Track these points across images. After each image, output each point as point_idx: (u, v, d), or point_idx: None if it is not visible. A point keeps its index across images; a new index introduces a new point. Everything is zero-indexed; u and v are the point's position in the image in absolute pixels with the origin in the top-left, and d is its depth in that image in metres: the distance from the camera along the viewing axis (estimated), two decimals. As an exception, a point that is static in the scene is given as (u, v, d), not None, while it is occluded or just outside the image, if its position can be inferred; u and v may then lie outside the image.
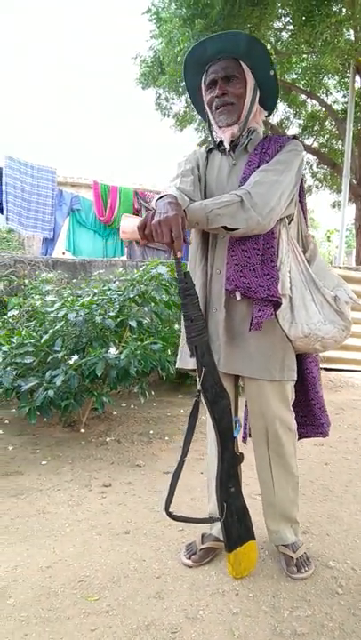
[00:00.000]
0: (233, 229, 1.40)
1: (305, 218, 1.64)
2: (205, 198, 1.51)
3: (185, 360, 1.61)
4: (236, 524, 1.50)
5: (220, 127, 1.56)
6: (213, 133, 1.63)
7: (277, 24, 7.44)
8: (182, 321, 1.40)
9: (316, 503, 2.13)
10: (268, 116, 1.73)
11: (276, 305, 1.46)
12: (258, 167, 1.48)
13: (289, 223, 1.54)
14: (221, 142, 1.59)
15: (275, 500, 1.63)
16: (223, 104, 1.52)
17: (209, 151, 1.65)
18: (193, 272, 1.60)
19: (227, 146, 1.56)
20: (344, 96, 9.28)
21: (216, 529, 1.69)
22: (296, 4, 5.94)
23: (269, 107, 1.65)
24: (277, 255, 1.49)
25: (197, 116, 9.21)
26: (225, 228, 1.40)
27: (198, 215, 1.38)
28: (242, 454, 1.51)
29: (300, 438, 1.74)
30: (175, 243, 1.24)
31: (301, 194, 1.60)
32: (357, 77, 7.88)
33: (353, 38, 6.96)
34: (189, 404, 3.75)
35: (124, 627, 1.34)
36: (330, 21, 5.79)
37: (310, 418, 1.69)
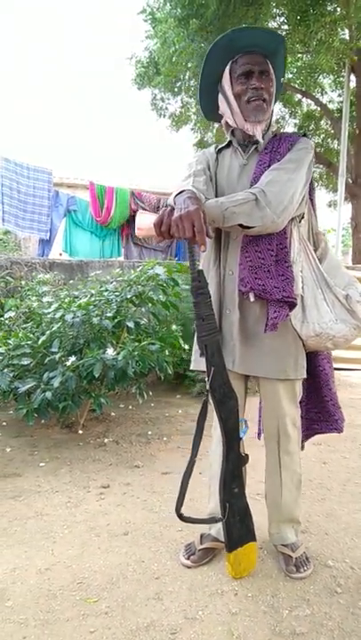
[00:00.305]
0: (248, 227, 1.40)
1: (315, 215, 1.64)
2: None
3: (199, 361, 1.59)
4: (237, 525, 1.49)
5: (246, 120, 1.52)
6: (229, 120, 1.57)
7: (272, 24, 7.43)
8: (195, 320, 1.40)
9: (315, 502, 2.13)
10: None
11: (292, 305, 1.47)
12: (269, 166, 1.48)
13: (300, 221, 1.55)
14: (233, 140, 1.59)
15: (281, 500, 1.64)
16: (260, 98, 1.49)
17: (218, 151, 1.65)
18: (206, 273, 1.60)
19: (260, 140, 1.52)
20: (339, 95, 9.29)
21: (215, 529, 1.69)
22: (291, 4, 5.94)
23: None
24: (290, 255, 1.50)
25: (193, 116, 9.21)
26: (240, 225, 1.40)
27: (214, 213, 1.38)
28: (247, 455, 1.51)
29: (314, 434, 1.77)
30: (198, 236, 1.23)
31: (312, 191, 1.60)
32: (352, 77, 7.89)
33: (348, 37, 6.97)
34: (187, 404, 3.76)
35: (123, 628, 1.34)
36: (324, 21, 5.79)
37: (324, 414, 1.70)
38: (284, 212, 1.40)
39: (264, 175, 1.45)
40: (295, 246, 1.51)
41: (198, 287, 1.34)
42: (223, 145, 1.65)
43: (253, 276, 1.45)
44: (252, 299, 1.47)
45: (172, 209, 1.30)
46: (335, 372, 4.94)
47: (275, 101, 1.66)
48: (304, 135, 1.56)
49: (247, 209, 1.37)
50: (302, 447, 1.74)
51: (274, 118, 1.66)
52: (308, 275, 1.52)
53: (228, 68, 1.54)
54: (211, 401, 1.41)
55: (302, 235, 1.54)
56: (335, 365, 5.53)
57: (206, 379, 1.38)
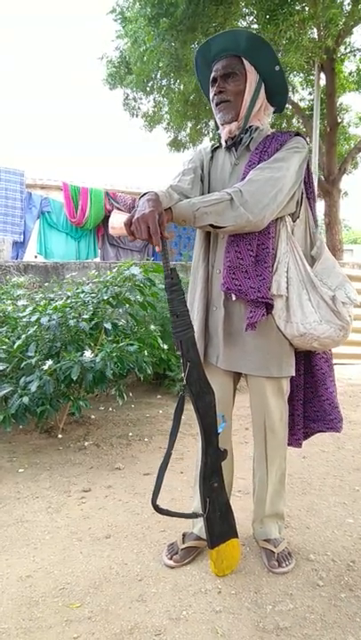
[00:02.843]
0: (220, 227, 1.41)
1: (313, 215, 1.64)
2: None
3: None
4: (218, 521, 1.50)
5: (220, 124, 1.57)
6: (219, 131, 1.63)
7: (242, 23, 7.48)
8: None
9: (296, 497, 2.15)
10: (280, 112, 1.70)
11: (268, 306, 1.47)
12: None
13: (294, 221, 1.55)
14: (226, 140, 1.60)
15: (265, 495, 1.65)
16: (220, 101, 1.54)
17: (214, 150, 1.66)
18: (196, 270, 1.63)
19: (223, 143, 1.58)
20: (310, 93, 9.41)
21: (198, 528, 1.69)
22: (260, 3, 5.98)
23: (278, 102, 1.63)
24: (275, 255, 1.50)
25: (166, 116, 9.21)
26: (212, 226, 1.40)
27: (185, 213, 1.39)
28: (226, 450, 1.52)
29: (312, 433, 1.76)
30: (153, 238, 1.26)
31: (309, 191, 1.60)
32: (322, 75, 8.00)
33: (316, 37, 7.06)
34: (168, 404, 3.75)
35: (106, 632, 1.33)
36: (293, 20, 5.85)
37: (321, 413, 1.70)
38: (263, 211, 1.40)
39: (248, 174, 1.46)
40: (282, 246, 1.51)
41: (172, 284, 1.36)
42: (219, 144, 1.66)
43: (231, 277, 1.47)
44: (233, 298, 1.50)
45: None
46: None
47: (285, 97, 1.62)
48: (297, 134, 1.55)
49: (220, 209, 1.38)
50: (300, 445, 1.75)
51: (269, 119, 1.63)
52: (294, 275, 1.51)
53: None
54: (189, 396, 1.41)
55: (291, 234, 1.53)
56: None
57: (183, 374, 1.39)
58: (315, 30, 7.03)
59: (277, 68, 1.54)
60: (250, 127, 1.56)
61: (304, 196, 1.57)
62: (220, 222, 1.39)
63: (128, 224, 1.32)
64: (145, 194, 1.36)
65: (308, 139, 9.47)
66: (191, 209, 1.38)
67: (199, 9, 5.91)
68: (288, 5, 5.86)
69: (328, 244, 9.08)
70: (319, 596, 1.47)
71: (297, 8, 6.10)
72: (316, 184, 7.17)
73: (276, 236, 1.51)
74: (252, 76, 1.53)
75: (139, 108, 9.08)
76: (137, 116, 9.18)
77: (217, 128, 1.63)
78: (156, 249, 1.30)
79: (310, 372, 1.67)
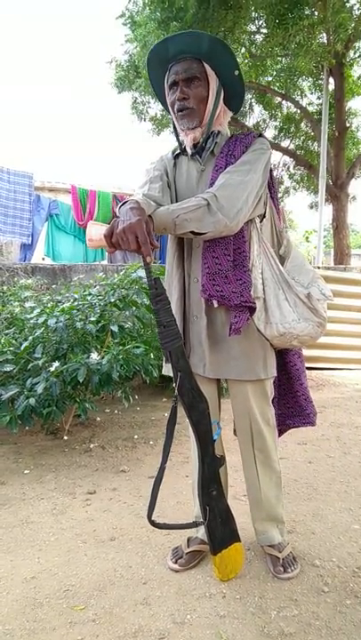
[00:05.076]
0: (200, 233, 1.40)
1: (278, 213, 1.64)
2: None
3: (169, 367, 1.60)
4: (220, 527, 1.49)
5: (182, 130, 1.53)
6: (179, 136, 1.59)
7: (251, 27, 7.50)
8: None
9: (301, 502, 2.14)
10: (235, 113, 1.68)
11: (252, 309, 1.47)
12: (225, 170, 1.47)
13: (261, 221, 1.55)
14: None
15: (261, 497, 1.64)
16: (183, 108, 1.49)
17: (176, 156, 1.63)
18: (170, 280, 1.60)
19: (189, 150, 1.54)
20: (318, 98, 9.40)
21: (202, 532, 1.68)
22: (269, 8, 6.00)
23: (235, 107, 1.61)
24: (249, 258, 1.49)
25: (174, 120, 9.25)
26: (192, 232, 1.39)
27: (165, 220, 1.36)
28: (223, 457, 1.51)
29: (288, 429, 1.78)
30: (143, 248, 1.22)
31: (272, 189, 1.60)
32: (331, 79, 8.00)
33: (325, 41, 7.06)
34: (173, 407, 3.75)
35: (110, 635, 1.32)
36: (303, 24, 5.86)
37: (297, 409, 1.72)
38: (238, 215, 1.40)
39: (218, 178, 1.44)
40: (255, 249, 1.51)
41: (156, 294, 1.32)
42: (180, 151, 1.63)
43: (212, 283, 1.45)
44: (215, 305, 1.47)
45: None
46: (319, 372, 4.97)
47: (241, 101, 1.61)
48: (260, 135, 1.55)
49: (199, 215, 1.36)
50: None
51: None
52: (269, 276, 1.52)
53: (165, 78, 1.54)
54: (181, 406, 1.40)
55: (262, 236, 1.53)
56: (319, 365, 5.60)
57: (174, 384, 1.38)
58: (324, 35, 7.03)
59: (237, 72, 1.51)
60: (212, 132, 1.54)
61: (268, 195, 1.57)
62: (200, 229, 1.37)
63: (109, 235, 1.26)
64: (125, 202, 1.33)
65: (316, 143, 9.47)
66: (171, 216, 1.36)
67: (209, 13, 5.94)
68: (298, 10, 5.87)
69: (336, 248, 9.06)
70: (324, 603, 1.46)
71: (306, 12, 6.11)
72: (324, 189, 7.17)
73: (248, 238, 1.51)
74: (214, 81, 1.51)
75: (147, 111, 9.12)
76: (145, 119, 9.22)
77: (175, 132, 1.59)
78: (147, 259, 1.25)
79: (283, 370, 1.68)
